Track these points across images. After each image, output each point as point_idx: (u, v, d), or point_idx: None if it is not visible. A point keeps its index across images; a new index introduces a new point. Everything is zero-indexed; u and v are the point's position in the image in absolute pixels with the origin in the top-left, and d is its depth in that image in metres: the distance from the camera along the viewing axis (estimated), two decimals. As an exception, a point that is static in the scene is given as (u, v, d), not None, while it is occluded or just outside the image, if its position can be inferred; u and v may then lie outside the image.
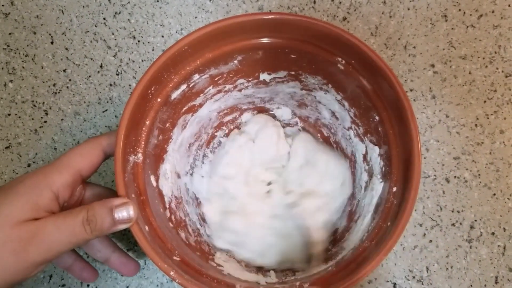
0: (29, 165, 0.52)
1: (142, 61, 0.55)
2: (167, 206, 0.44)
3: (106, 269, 0.50)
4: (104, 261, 0.43)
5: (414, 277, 0.49)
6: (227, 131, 0.53)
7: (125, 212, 0.35)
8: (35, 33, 0.55)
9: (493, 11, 0.55)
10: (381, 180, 0.42)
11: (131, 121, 0.38)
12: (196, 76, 0.43)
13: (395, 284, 0.49)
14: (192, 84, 0.44)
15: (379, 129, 0.42)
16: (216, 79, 0.46)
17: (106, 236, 0.43)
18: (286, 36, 0.42)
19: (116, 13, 0.56)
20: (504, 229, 0.50)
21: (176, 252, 0.39)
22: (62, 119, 0.53)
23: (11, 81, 0.54)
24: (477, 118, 0.53)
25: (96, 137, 0.39)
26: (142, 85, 0.38)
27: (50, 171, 0.36)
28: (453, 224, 0.51)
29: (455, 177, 0.52)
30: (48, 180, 0.35)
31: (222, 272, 0.42)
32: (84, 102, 0.54)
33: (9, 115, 0.54)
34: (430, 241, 0.50)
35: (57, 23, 0.56)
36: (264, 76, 0.47)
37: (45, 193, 0.35)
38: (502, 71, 0.54)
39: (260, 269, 0.45)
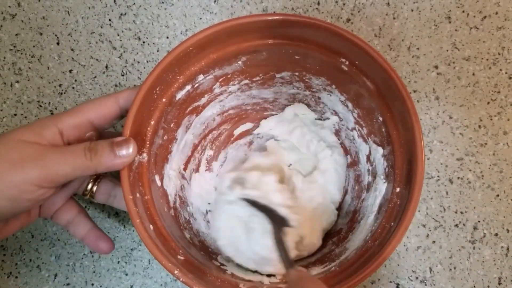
0: (34, 165, 0.53)
1: (147, 62, 0.55)
2: (172, 206, 0.44)
3: (110, 268, 0.50)
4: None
5: (417, 278, 0.49)
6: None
7: (124, 147, 0.36)
8: (41, 34, 0.56)
9: (496, 13, 0.55)
10: (384, 180, 0.43)
11: (136, 121, 0.38)
12: (201, 77, 0.44)
13: (398, 284, 0.49)
14: (197, 84, 0.44)
15: (383, 130, 0.43)
16: (220, 79, 0.46)
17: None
18: (290, 37, 0.42)
19: (121, 14, 0.56)
20: (508, 230, 0.50)
21: (180, 251, 0.39)
22: (67, 119, 0.54)
23: (17, 81, 0.55)
24: (481, 120, 0.53)
25: (115, 92, 0.40)
26: (148, 85, 0.38)
27: (60, 114, 0.38)
28: (456, 225, 0.51)
29: (458, 178, 0.52)
30: (55, 118, 0.37)
31: (226, 271, 0.42)
32: (90, 102, 0.54)
33: (15, 115, 0.54)
34: (434, 242, 0.50)
35: (63, 24, 0.56)
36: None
37: (49, 126, 0.36)
38: (506, 73, 0.54)
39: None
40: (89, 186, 0.44)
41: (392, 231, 0.37)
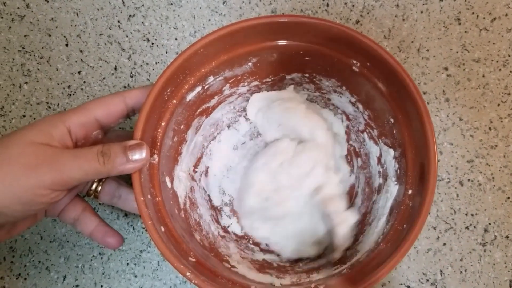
0: (43, 166, 0.53)
1: (156, 63, 0.55)
2: (182, 208, 0.44)
3: (119, 270, 0.50)
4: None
5: (427, 280, 0.49)
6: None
7: (137, 152, 0.36)
8: (50, 35, 0.56)
9: (506, 14, 0.55)
10: (396, 182, 0.42)
11: (147, 123, 0.38)
12: (211, 78, 0.44)
13: (408, 287, 0.49)
14: (207, 86, 0.44)
15: (394, 132, 0.42)
16: (230, 81, 0.46)
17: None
18: (301, 38, 0.42)
19: (130, 16, 0.56)
20: (519, 233, 0.50)
21: (191, 253, 0.39)
22: (76, 121, 0.54)
23: (26, 82, 0.55)
24: (491, 121, 0.53)
25: (123, 90, 0.40)
26: (159, 87, 0.38)
27: (67, 111, 0.38)
28: (467, 227, 0.50)
29: (469, 180, 0.51)
30: (63, 117, 0.37)
31: (237, 273, 0.42)
32: (98, 104, 0.54)
33: (24, 116, 0.54)
34: (444, 244, 0.50)
35: (71, 25, 0.56)
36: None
37: (58, 126, 0.36)
38: (516, 74, 0.54)
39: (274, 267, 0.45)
40: (94, 186, 0.43)
41: (405, 234, 0.37)
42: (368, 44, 0.39)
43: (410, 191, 0.40)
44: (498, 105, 0.53)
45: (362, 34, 0.39)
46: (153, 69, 0.55)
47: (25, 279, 0.50)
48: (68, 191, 0.38)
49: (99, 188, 0.43)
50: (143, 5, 0.57)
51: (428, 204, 0.37)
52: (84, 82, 0.55)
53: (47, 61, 0.55)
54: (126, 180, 0.44)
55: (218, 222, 0.48)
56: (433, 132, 0.37)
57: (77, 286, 0.50)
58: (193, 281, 0.35)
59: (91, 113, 0.38)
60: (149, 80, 0.55)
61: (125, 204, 0.44)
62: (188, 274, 0.35)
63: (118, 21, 0.56)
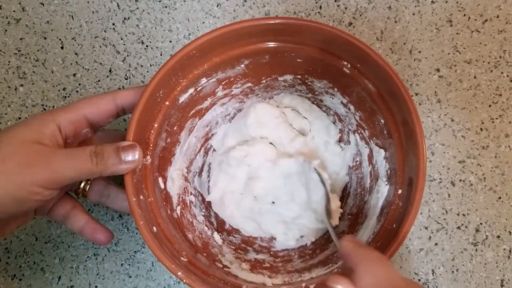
0: (39, 168, 0.53)
1: (151, 65, 0.56)
2: (175, 208, 0.45)
3: (114, 271, 0.50)
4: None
5: (419, 280, 0.50)
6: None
7: (130, 153, 0.37)
8: (45, 38, 0.56)
9: (497, 16, 0.56)
10: (386, 182, 0.43)
11: (140, 124, 0.39)
12: (204, 80, 0.44)
13: (400, 287, 0.49)
14: (200, 87, 0.45)
15: (385, 132, 0.43)
16: (223, 83, 0.46)
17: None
18: (293, 40, 0.43)
19: (125, 18, 0.57)
20: (510, 233, 0.50)
21: (184, 253, 0.40)
22: (71, 123, 0.54)
23: (21, 85, 0.55)
24: (482, 122, 0.53)
25: (114, 90, 0.41)
26: (151, 89, 0.39)
27: (57, 109, 0.38)
28: (458, 227, 0.51)
29: (460, 180, 0.52)
30: (53, 114, 0.37)
31: (229, 273, 0.42)
32: (93, 106, 0.55)
33: (20, 118, 0.55)
34: (436, 244, 0.50)
35: (67, 28, 0.57)
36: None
37: (49, 124, 0.37)
38: (507, 76, 0.54)
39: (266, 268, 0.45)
40: (82, 185, 0.44)
41: (394, 233, 0.38)
42: (358, 45, 0.39)
43: (400, 191, 0.40)
44: (490, 106, 0.53)
45: (352, 36, 0.40)
46: (147, 71, 0.56)
47: (20, 279, 0.50)
48: (60, 190, 0.38)
49: (87, 187, 0.44)
50: (137, 8, 0.57)
51: (417, 203, 0.37)
52: (79, 84, 0.55)
53: (42, 63, 0.56)
54: (115, 179, 0.45)
55: (211, 222, 0.49)
56: (422, 133, 0.38)
57: (71, 286, 0.50)
58: (184, 281, 0.35)
59: (81, 111, 0.39)
60: (143, 83, 0.55)
61: (114, 203, 0.44)
62: (179, 273, 0.35)
63: (113, 24, 0.57)
